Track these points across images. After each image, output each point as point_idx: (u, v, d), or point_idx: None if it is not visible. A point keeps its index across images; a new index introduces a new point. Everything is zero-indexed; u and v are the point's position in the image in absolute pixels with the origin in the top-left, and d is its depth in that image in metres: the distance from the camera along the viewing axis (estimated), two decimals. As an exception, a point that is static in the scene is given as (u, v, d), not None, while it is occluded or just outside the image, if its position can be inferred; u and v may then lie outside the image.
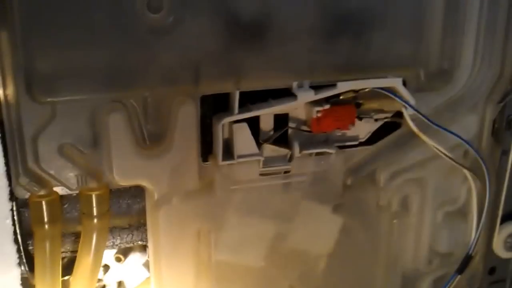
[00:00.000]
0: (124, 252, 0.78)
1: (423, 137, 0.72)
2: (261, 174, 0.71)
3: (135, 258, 0.78)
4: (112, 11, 0.59)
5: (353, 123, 0.71)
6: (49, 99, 0.61)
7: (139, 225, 0.73)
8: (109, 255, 0.77)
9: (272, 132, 0.71)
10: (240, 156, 0.69)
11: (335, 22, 0.67)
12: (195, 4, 0.61)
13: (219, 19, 0.63)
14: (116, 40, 0.61)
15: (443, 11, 0.71)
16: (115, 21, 0.60)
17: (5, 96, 0.60)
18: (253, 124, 0.69)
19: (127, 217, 0.72)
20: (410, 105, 0.69)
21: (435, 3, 0.70)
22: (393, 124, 0.75)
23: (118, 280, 0.79)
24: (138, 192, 0.71)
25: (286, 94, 0.68)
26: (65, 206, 0.69)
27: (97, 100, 0.63)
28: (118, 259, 0.78)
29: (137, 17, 0.60)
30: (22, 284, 0.66)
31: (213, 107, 0.68)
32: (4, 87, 0.60)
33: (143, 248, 0.78)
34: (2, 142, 0.61)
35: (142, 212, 0.71)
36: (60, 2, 0.57)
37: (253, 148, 0.69)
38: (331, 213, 0.75)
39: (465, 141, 0.74)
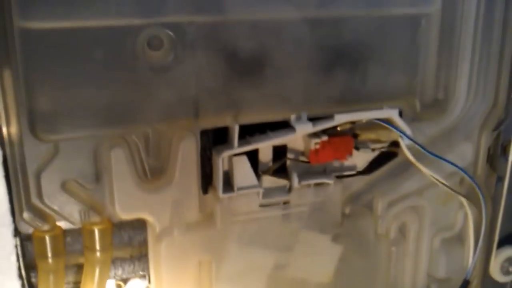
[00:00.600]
0: (125, 279, 0.78)
1: (420, 166, 0.73)
2: (261, 206, 0.72)
3: (135, 285, 0.79)
4: (113, 50, 0.61)
5: (350, 154, 0.71)
6: (51, 137, 0.62)
7: (141, 256, 0.74)
8: (110, 283, 0.78)
9: (271, 163, 0.72)
10: (240, 188, 0.70)
11: (331, 56, 0.69)
12: (194, 42, 0.63)
13: (218, 56, 0.64)
14: (117, 78, 0.62)
15: (437, 44, 0.72)
16: (116, 59, 0.61)
17: (9, 133, 0.61)
18: (252, 155, 0.70)
19: (129, 248, 0.73)
20: (407, 136, 0.71)
21: (430, 36, 0.72)
22: (390, 153, 0.76)
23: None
24: (139, 224, 0.71)
25: (285, 125, 0.69)
26: (68, 239, 0.69)
27: (99, 137, 0.64)
28: (119, 286, 0.78)
29: (138, 55, 0.61)
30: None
31: (213, 139, 0.69)
32: (8, 125, 0.61)
33: (143, 275, 0.78)
34: (6, 179, 0.62)
35: (144, 243, 0.72)
36: (62, 42, 0.59)
37: (253, 180, 0.70)
38: (330, 242, 0.76)
39: (460, 169, 0.75)
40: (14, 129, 0.61)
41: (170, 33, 0.62)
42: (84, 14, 0.58)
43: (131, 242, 0.73)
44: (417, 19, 0.71)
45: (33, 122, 0.61)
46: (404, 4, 0.70)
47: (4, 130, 0.61)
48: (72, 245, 0.70)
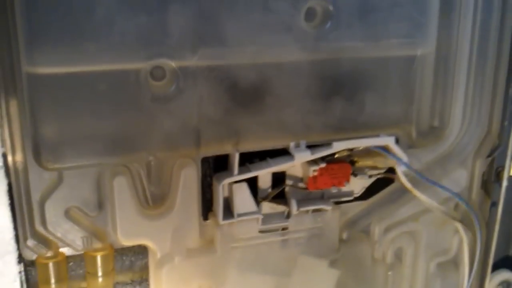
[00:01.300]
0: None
1: (416, 192, 0.74)
2: (260, 232, 0.73)
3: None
4: (117, 80, 0.62)
5: (348, 180, 0.73)
6: (56, 166, 0.63)
7: (141, 281, 0.75)
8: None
9: (270, 190, 0.73)
10: (240, 215, 0.71)
11: (329, 86, 0.70)
12: (196, 72, 0.64)
13: (219, 86, 0.66)
14: (120, 108, 0.63)
15: (433, 73, 0.74)
16: (120, 90, 0.62)
17: (14, 162, 0.63)
18: (252, 181, 0.71)
19: (130, 273, 0.74)
20: (403, 162, 0.72)
21: (426, 66, 0.73)
22: (387, 179, 0.77)
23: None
24: (140, 248, 0.73)
25: (283, 152, 0.70)
26: (70, 264, 0.70)
27: (102, 165, 0.65)
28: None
29: (141, 85, 0.63)
30: None
31: (213, 165, 0.71)
32: (13, 153, 0.62)
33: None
34: (10, 207, 0.63)
35: (145, 268, 0.74)
36: (65, 76, 0.60)
37: (252, 206, 0.71)
38: (328, 267, 0.77)
39: (455, 195, 0.76)
40: (19, 158, 0.63)
41: (172, 64, 0.63)
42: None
43: (132, 267, 0.74)
44: (413, 50, 0.72)
45: (38, 150, 0.62)
46: (400, 37, 0.71)
47: (9, 158, 0.62)
48: (75, 270, 0.71)
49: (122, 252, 0.73)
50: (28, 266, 0.68)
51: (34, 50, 0.58)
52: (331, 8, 0.67)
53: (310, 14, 0.67)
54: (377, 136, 0.72)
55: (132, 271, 0.74)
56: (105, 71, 0.61)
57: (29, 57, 0.58)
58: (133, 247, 0.72)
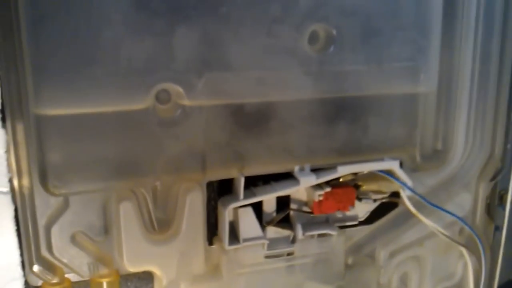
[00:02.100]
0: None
1: (420, 217, 0.74)
2: (266, 257, 0.72)
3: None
4: (122, 105, 0.62)
5: (353, 205, 0.73)
6: (62, 191, 0.63)
7: (146, 308, 0.74)
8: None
9: (274, 214, 0.73)
10: (245, 240, 0.70)
11: (332, 109, 0.71)
12: (201, 97, 0.64)
13: (224, 110, 0.66)
14: (126, 133, 0.63)
15: (436, 97, 0.75)
16: (125, 115, 0.62)
17: (20, 187, 0.62)
18: (256, 206, 0.71)
19: (135, 301, 0.73)
20: (408, 187, 0.72)
21: (428, 89, 0.74)
22: (391, 203, 0.77)
23: None
24: (145, 275, 0.72)
25: (288, 176, 0.71)
26: (75, 291, 0.70)
27: (108, 190, 0.65)
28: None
29: (147, 110, 0.63)
30: None
31: (217, 189, 0.71)
32: (19, 179, 0.62)
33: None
34: (16, 233, 0.62)
35: (150, 295, 0.73)
36: (71, 99, 0.60)
37: (258, 231, 0.71)
38: (334, 294, 0.77)
39: (460, 219, 0.77)
40: (25, 183, 0.62)
41: (179, 88, 0.63)
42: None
43: (137, 294, 0.73)
44: (416, 72, 0.73)
45: (44, 176, 0.62)
46: (403, 61, 0.72)
47: (15, 183, 0.62)
48: (80, 297, 0.70)
49: (126, 277, 0.72)
50: (32, 293, 0.68)
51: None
52: (334, 32, 0.68)
53: (313, 38, 0.68)
54: (382, 160, 0.72)
55: (136, 298, 0.73)
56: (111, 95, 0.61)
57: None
58: (138, 273, 0.72)
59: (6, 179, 0.60)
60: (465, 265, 0.81)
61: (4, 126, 0.59)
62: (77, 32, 0.58)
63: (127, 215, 0.66)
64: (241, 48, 0.65)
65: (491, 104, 0.76)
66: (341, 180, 0.72)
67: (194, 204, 0.68)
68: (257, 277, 0.72)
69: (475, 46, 0.74)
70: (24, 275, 0.64)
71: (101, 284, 0.67)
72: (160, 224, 0.69)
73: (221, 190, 0.71)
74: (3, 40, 0.58)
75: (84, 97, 0.61)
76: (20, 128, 0.61)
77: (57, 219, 0.65)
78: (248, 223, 0.70)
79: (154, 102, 0.63)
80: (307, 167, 0.70)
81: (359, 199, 0.74)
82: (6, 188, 0.60)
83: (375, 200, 0.75)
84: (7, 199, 0.60)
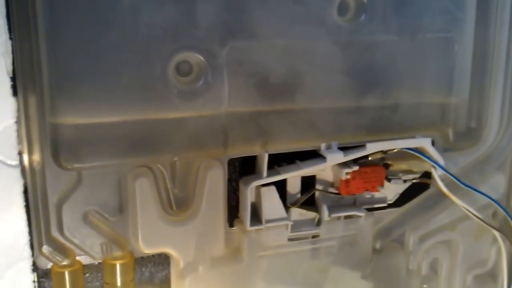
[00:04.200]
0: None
1: (453, 197, 0.70)
2: (290, 239, 0.69)
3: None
4: (141, 75, 0.58)
5: (382, 185, 0.69)
6: (75, 165, 0.59)
7: (161, 294, 0.70)
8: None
9: (299, 195, 0.69)
10: (268, 221, 0.67)
11: (362, 83, 0.67)
12: (224, 68, 0.61)
13: (248, 82, 0.62)
14: (145, 105, 0.59)
15: (470, 71, 0.71)
16: (144, 86, 0.59)
17: (31, 162, 0.59)
18: (280, 186, 0.67)
19: (150, 286, 0.70)
20: (440, 166, 0.68)
21: (463, 63, 0.70)
22: (421, 185, 0.73)
23: None
24: (161, 260, 0.69)
25: (313, 155, 0.67)
26: (87, 275, 0.66)
27: (124, 165, 0.61)
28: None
29: (167, 81, 0.59)
30: None
31: (239, 170, 0.67)
32: (30, 153, 0.58)
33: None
34: (26, 211, 0.59)
35: (165, 281, 0.69)
36: (89, 67, 0.56)
37: (281, 212, 0.67)
38: (360, 279, 0.73)
39: (494, 201, 0.73)
40: (36, 157, 0.59)
41: (201, 57, 0.59)
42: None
43: (152, 280, 0.69)
44: (450, 44, 0.69)
45: (57, 149, 0.58)
46: (437, 32, 0.69)
47: (26, 158, 0.58)
48: (91, 282, 0.67)
49: (141, 262, 0.68)
50: (41, 277, 0.63)
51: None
52: (365, 0, 0.64)
53: (343, 7, 0.64)
54: (413, 137, 0.68)
55: (152, 283, 0.69)
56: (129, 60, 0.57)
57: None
58: (153, 257, 0.68)
59: (15, 152, 0.57)
60: (499, 251, 0.77)
61: (15, 95, 0.56)
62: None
63: (143, 193, 0.62)
64: (267, 15, 0.61)
65: (528, 78, 0.72)
66: (370, 158, 0.68)
67: (214, 182, 0.64)
68: (279, 260, 0.69)
69: (511, 21, 0.71)
70: (33, 256, 0.60)
71: (114, 266, 0.64)
72: (178, 203, 0.65)
73: (242, 171, 0.67)
74: (16, 6, 0.54)
75: (101, 66, 0.57)
76: (32, 100, 0.57)
77: (69, 196, 0.61)
78: (271, 203, 0.67)
79: (174, 72, 0.59)
80: (334, 144, 0.66)
81: (388, 180, 0.70)
82: (15, 161, 0.57)
83: (405, 181, 0.71)
84: (16, 173, 0.57)
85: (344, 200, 0.71)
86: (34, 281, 0.61)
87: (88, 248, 0.63)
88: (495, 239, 0.77)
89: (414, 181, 0.72)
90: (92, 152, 0.59)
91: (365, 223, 0.71)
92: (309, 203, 0.70)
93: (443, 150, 0.71)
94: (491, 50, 0.71)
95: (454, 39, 0.69)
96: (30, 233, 0.60)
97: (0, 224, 0.57)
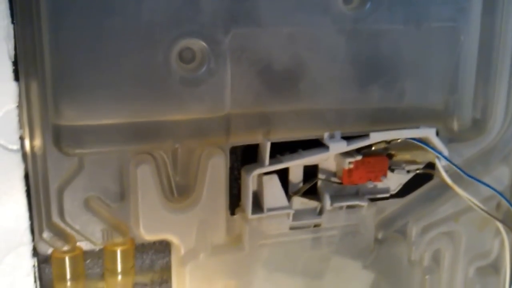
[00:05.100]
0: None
1: (457, 188, 0.70)
2: (291, 228, 0.68)
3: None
4: (144, 62, 0.58)
5: (385, 175, 0.68)
6: (77, 151, 0.59)
7: (162, 282, 0.70)
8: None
9: (301, 184, 0.69)
10: (269, 209, 0.66)
11: (366, 72, 0.66)
12: (227, 55, 0.60)
13: (251, 70, 0.62)
14: (147, 91, 0.59)
15: (476, 62, 0.70)
16: (146, 72, 0.58)
17: (32, 147, 0.58)
18: (282, 175, 0.67)
19: (150, 273, 0.69)
20: (444, 156, 0.68)
21: (469, 53, 0.70)
22: (424, 175, 0.72)
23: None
24: (162, 247, 0.68)
25: (315, 144, 0.66)
26: (87, 262, 0.66)
27: (126, 152, 0.61)
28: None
29: (169, 68, 0.59)
30: None
31: (241, 159, 0.67)
32: (31, 138, 0.58)
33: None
34: (26, 196, 0.58)
35: (166, 268, 0.69)
36: (91, 53, 0.56)
37: (283, 200, 0.67)
38: (362, 269, 0.73)
39: (498, 192, 0.72)
40: (37, 143, 0.58)
41: (204, 44, 0.59)
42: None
43: (153, 267, 0.69)
44: (456, 33, 0.68)
45: (58, 134, 0.58)
46: (442, 21, 0.68)
47: (27, 142, 0.58)
48: (92, 268, 0.66)
49: (142, 249, 0.68)
50: (42, 263, 0.63)
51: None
52: (371, -12, 0.63)
53: (349, -6, 0.63)
54: (417, 127, 0.68)
55: (152, 270, 0.69)
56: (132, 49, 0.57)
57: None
58: (154, 244, 0.68)
59: (16, 136, 0.56)
60: (502, 243, 0.77)
61: (17, 79, 0.55)
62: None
63: (144, 180, 0.62)
64: (271, 2, 0.61)
65: (535, 70, 0.71)
66: (373, 148, 0.68)
67: (216, 170, 0.64)
68: (280, 249, 0.68)
69: (518, 11, 0.70)
70: (33, 241, 0.60)
71: (115, 252, 0.64)
72: (179, 190, 0.65)
73: (244, 160, 0.67)
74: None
75: (103, 52, 0.56)
76: (34, 85, 0.57)
77: (70, 182, 0.60)
78: (273, 192, 0.66)
79: (177, 59, 0.59)
80: (338, 134, 0.66)
81: (392, 170, 0.70)
82: (16, 146, 0.57)
83: (408, 171, 0.71)
84: (17, 157, 0.57)
85: (346, 189, 0.70)
86: (34, 266, 0.61)
87: (89, 234, 0.63)
88: (498, 231, 0.76)
89: (417, 171, 0.71)
90: (93, 138, 0.59)
91: (367, 213, 0.71)
92: (311, 193, 0.69)
93: (447, 141, 0.70)
94: (497, 40, 0.70)
95: (460, 29, 0.68)
96: (31, 218, 0.59)
97: (0, 209, 0.57)
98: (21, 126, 0.57)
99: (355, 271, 0.72)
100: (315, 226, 0.70)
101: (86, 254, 0.65)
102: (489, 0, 0.69)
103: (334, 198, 0.69)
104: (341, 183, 0.68)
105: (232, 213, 0.67)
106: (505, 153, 0.75)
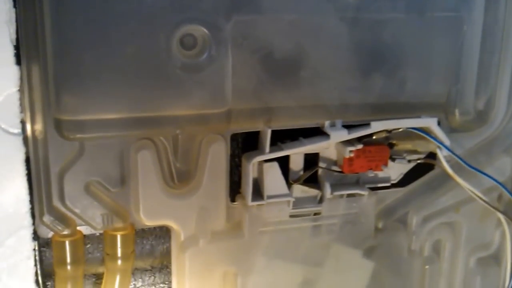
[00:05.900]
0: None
1: (458, 179, 0.69)
2: (291, 216, 0.68)
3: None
4: (145, 47, 0.58)
5: (386, 164, 0.68)
6: (78, 135, 0.59)
7: (162, 267, 0.71)
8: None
9: (301, 172, 0.69)
10: (269, 197, 0.67)
11: (369, 60, 0.66)
12: (229, 42, 0.60)
13: (252, 57, 0.62)
14: (148, 77, 0.59)
15: (479, 52, 0.70)
16: (148, 58, 0.58)
17: (33, 131, 0.59)
18: (282, 163, 0.67)
19: (150, 259, 0.70)
20: (445, 146, 0.67)
21: (472, 43, 0.69)
22: (425, 165, 0.72)
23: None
24: (162, 232, 0.69)
25: (316, 132, 0.66)
26: (88, 246, 0.66)
27: (126, 137, 0.61)
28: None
29: (170, 54, 0.59)
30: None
31: (242, 146, 0.67)
32: (33, 123, 0.58)
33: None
34: (27, 179, 0.59)
35: (166, 254, 0.70)
36: (92, 38, 0.56)
37: (283, 188, 0.67)
38: (361, 258, 0.73)
39: (500, 183, 0.72)
40: (38, 127, 0.59)
41: (205, 30, 0.59)
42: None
43: (153, 252, 0.70)
44: (459, 23, 0.68)
45: (59, 119, 0.58)
46: (445, 11, 0.68)
47: (28, 127, 0.58)
48: (92, 253, 0.67)
49: (142, 235, 0.68)
50: (42, 246, 0.64)
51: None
52: (374, -23, 0.63)
53: (351, -17, 0.63)
54: (419, 117, 0.67)
55: (152, 256, 0.70)
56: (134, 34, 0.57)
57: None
58: (154, 229, 0.68)
59: (17, 120, 0.57)
60: (503, 234, 0.77)
61: (18, 63, 0.55)
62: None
63: (145, 165, 0.62)
64: (273, -11, 0.60)
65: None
66: (374, 137, 0.68)
67: (216, 156, 0.64)
68: (280, 237, 0.69)
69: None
70: (34, 224, 0.60)
71: (115, 237, 0.64)
72: (180, 176, 0.65)
73: (245, 147, 0.67)
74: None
75: (104, 37, 0.56)
76: (35, 69, 0.57)
77: (71, 166, 0.61)
78: (273, 179, 0.66)
79: (178, 45, 0.59)
80: (339, 122, 0.66)
81: (393, 159, 0.70)
82: (17, 129, 0.57)
83: (409, 161, 0.71)
84: (18, 141, 0.57)
85: (347, 178, 0.71)
86: (34, 249, 0.61)
87: (89, 218, 0.63)
88: (499, 222, 0.76)
89: (418, 161, 0.71)
90: (94, 122, 0.59)
91: (367, 202, 0.71)
92: (312, 181, 0.69)
93: (449, 131, 0.70)
94: (500, 31, 0.70)
95: (463, 19, 0.68)
96: (31, 202, 0.60)
97: (1, 192, 0.57)
98: (22, 110, 0.57)
99: (355, 259, 0.73)
100: (315, 214, 0.70)
101: (86, 238, 0.65)
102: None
103: (335, 186, 0.69)
104: (341, 172, 0.68)
105: (232, 200, 0.68)
106: (507, 144, 0.74)
